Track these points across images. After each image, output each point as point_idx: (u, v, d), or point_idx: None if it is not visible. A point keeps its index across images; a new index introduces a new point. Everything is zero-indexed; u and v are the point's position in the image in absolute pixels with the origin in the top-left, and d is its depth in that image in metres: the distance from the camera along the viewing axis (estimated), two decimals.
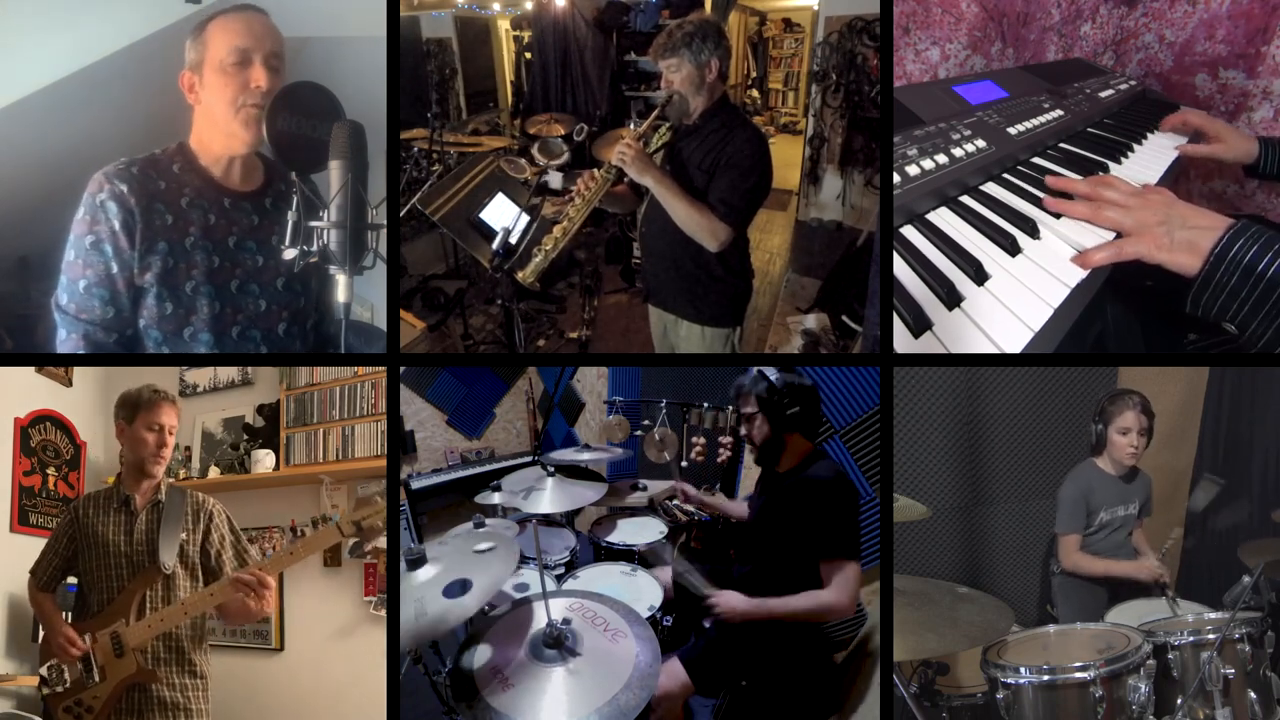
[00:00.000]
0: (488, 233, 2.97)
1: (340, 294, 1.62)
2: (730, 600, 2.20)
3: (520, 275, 2.35)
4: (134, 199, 1.76)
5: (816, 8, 6.33)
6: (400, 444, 4.30)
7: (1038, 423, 3.14)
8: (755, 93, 10.19)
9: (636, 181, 2.39)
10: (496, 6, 6.91)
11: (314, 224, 1.62)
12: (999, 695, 2.09)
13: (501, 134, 6.49)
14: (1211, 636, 2.12)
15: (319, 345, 2.06)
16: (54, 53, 2.41)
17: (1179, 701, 2.10)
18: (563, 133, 5.37)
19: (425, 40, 6.40)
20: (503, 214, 3.06)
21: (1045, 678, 2.04)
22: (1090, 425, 2.82)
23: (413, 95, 5.94)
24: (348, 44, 2.53)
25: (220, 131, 1.84)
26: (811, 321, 4.42)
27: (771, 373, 2.32)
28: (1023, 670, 2.06)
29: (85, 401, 3.44)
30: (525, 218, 2.60)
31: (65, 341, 1.81)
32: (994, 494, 3.13)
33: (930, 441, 3.02)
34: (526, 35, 6.84)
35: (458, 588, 1.79)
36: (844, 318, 4.22)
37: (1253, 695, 2.13)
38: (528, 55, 6.81)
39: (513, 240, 2.54)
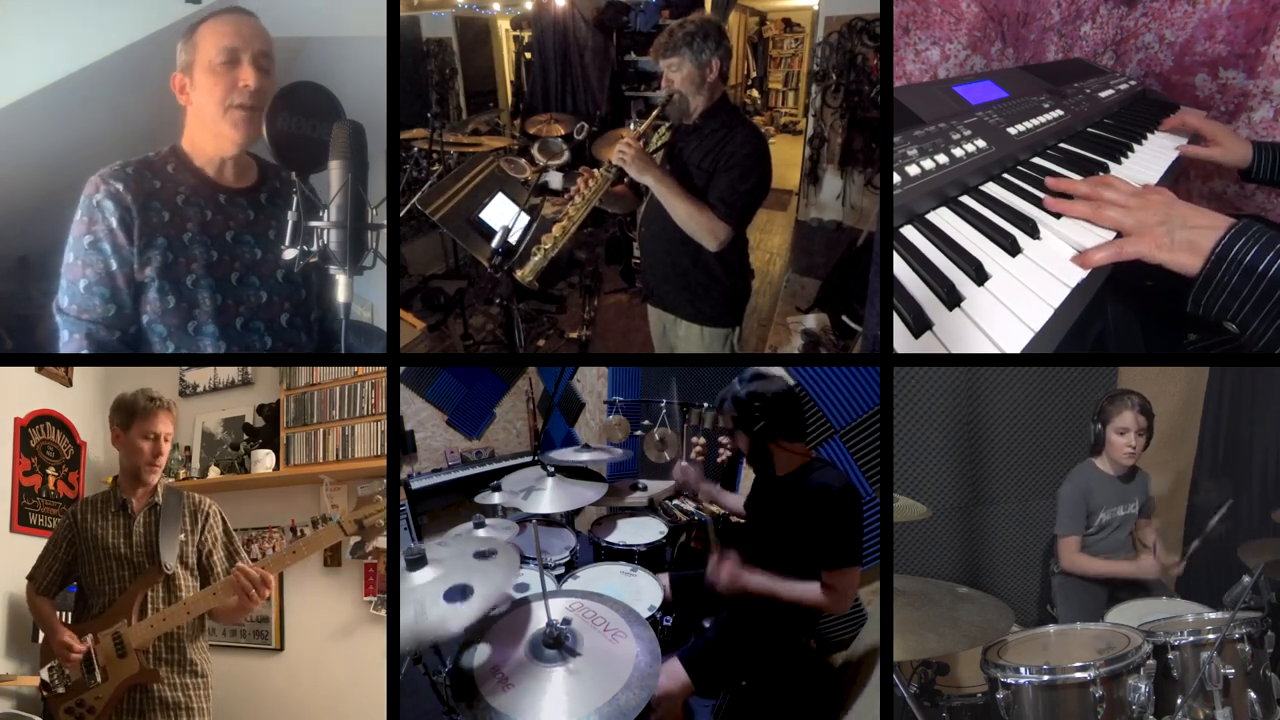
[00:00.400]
0: (488, 233, 2.97)
1: (340, 294, 1.62)
2: (733, 573, 2.20)
3: (519, 274, 2.34)
4: (130, 196, 1.77)
5: (816, 8, 6.33)
6: (400, 444, 4.30)
7: (1038, 423, 3.14)
8: (755, 93, 10.20)
9: (637, 181, 2.39)
10: (496, 6, 6.91)
11: (314, 224, 1.62)
12: (999, 695, 2.09)
13: (501, 134, 6.49)
14: (1211, 636, 2.11)
15: (321, 342, 2.06)
16: (53, 53, 2.42)
17: (1179, 701, 2.10)
18: (563, 133, 5.37)
19: (425, 40, 6.40)
20: (503, 214, 3.06)
21: (1045, 678, 2.04)
22: (1090, 425, 2.82)
23: (413, 95, 5.94)
24: (348, 44, 2.54)
25: (209, 132, 1.85)
26: (811, 321, 4.41)
27: (738, 385, 2.30)
28: (1023, 670, 2.06)
29: (85, 401, 3.44)
30: (525, 217, 2.60)
31: (69, 343, 1.81)
32: (994, 494, 3.13)
33: (930, 441, 3.02)
34: (526, 35, 6.84)
35: (458, 593, 1.79)
36: (844, 318, 4.22)
37: (1253, 695, 2.13)
38: (528, 55, 6.81)
39: (512, 239, 2.54)
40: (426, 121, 5.10)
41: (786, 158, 6.94)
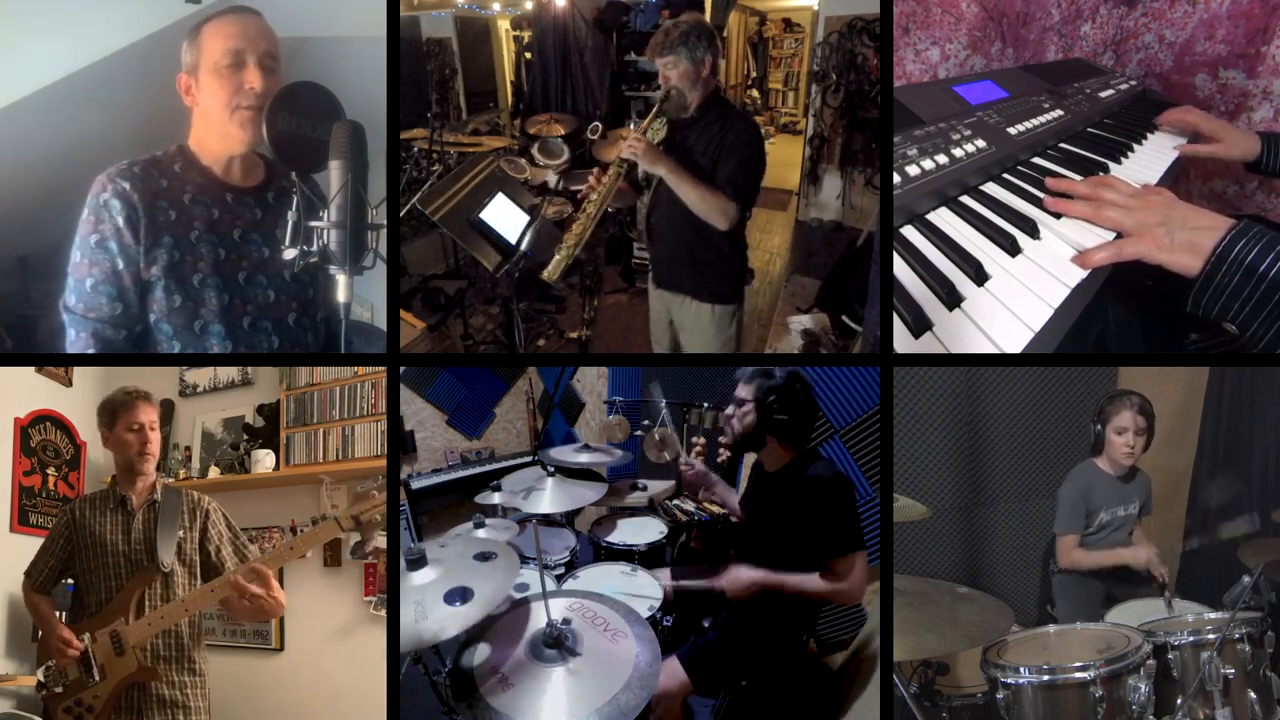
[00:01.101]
0: (488, 233, 2.97)
1: (340, 294, 1.62)
2: (736, 576, 2.24)
3: (544, 274, 2.45)
4: (137, 195, 1.77)
5: (816, 8, 6.33)
6: (400, 444, 4.30)
7: (1038, 423, 3.14)
8: (755, 93, 10.20)
9: (649, 172, 2.56)
10: (496, 6, 6.91)
11: (314, 224, 1.63)
12: (999, 695, 2.09)
13: (501, 134, 6.49)
14: (1211, 636, 2.11)
15: (328, 342, 2.07)
16: (54, 53, 2.41)
17: (1179, 702, 2.10)
18: (563, 133, 5.37)
19: (425, 40, 6.39)
20: (503, 214, 3.06)
21: (1045, 678, 2.04)
22: (1090, 425, 2.82)
23: (413, 95, 5.94)
24: (348, 44, 2.53)
25: (216, 133, 1.85)
26: (811, 321, 4.41)
27: (780, 373, 2.34)
28: (1023, 670, 2.06)
29: (85, 401, 3.44)
30: (533, 223, 2.65)
31: (75, 341, 1.81)
32: (994, 494, 3.13)
33: (930, 441, 3.02)
34: (526, 35, 6.84)
35: (458, 595, 1.79)
36: (844, 318, 4.22)
37: (1253, 695, 2.12)
38: (528, 55, 6.81)
39: (522, 245, 2.60)
40: (426, 121, 5.10)
41: (786, 158, 6.94)
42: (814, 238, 6.29)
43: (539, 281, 2.52)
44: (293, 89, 1.75)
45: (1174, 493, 3.28)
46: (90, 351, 1.81)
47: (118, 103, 2.53)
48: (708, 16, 6.60)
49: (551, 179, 4.76)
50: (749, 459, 2.95)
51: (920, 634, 2.02)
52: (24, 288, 2.97)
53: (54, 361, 3.27)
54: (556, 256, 2.44)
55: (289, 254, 1.66)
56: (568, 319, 4.51)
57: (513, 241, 3.00)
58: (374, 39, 2.37)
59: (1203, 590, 2.75)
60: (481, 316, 4.46)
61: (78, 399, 3.42)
